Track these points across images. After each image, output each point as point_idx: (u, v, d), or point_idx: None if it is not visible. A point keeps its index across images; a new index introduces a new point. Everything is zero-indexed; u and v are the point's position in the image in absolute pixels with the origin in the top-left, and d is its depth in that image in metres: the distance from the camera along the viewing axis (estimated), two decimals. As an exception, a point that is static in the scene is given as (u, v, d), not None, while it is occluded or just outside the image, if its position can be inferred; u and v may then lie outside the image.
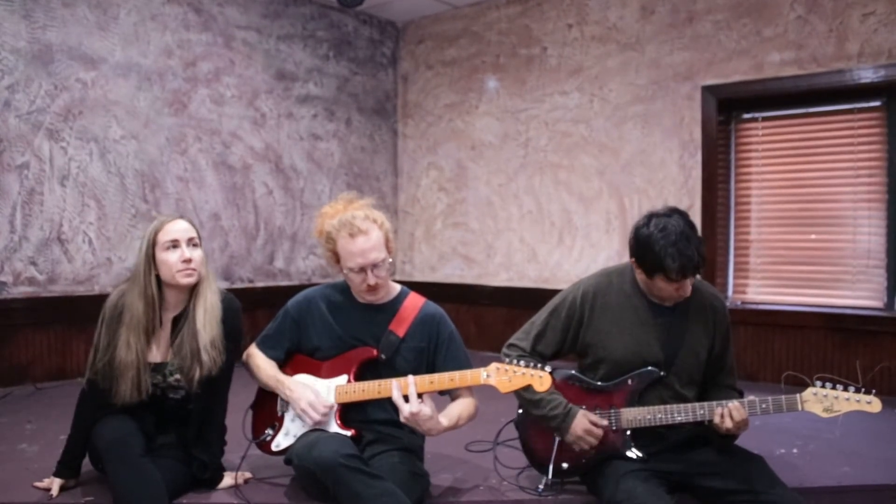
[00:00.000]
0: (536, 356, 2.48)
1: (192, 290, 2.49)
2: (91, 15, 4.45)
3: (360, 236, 2.41)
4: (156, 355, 2.47)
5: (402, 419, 2.30)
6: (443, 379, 2.34)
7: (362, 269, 2.42)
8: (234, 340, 2.54)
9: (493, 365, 2.28)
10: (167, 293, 2.48)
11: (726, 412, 2.25)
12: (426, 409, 2.29)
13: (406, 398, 2.28)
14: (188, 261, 2.42)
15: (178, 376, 2.45)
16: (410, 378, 2.32)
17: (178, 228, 2.46)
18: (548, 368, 2.23)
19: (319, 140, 5.76)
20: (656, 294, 2.40)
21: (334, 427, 2.44)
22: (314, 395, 2.43)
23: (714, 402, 2.31)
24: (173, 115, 4.86)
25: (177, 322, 2.49)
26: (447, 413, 2.41)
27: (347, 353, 2.50)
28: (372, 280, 2.42)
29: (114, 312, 2.44)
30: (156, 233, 2.44)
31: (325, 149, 5.80)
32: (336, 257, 2.48)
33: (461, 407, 2.46)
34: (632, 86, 5.03)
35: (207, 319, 2.44)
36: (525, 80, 5.55)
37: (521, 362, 2.26)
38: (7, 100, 4.13)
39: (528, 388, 2.28)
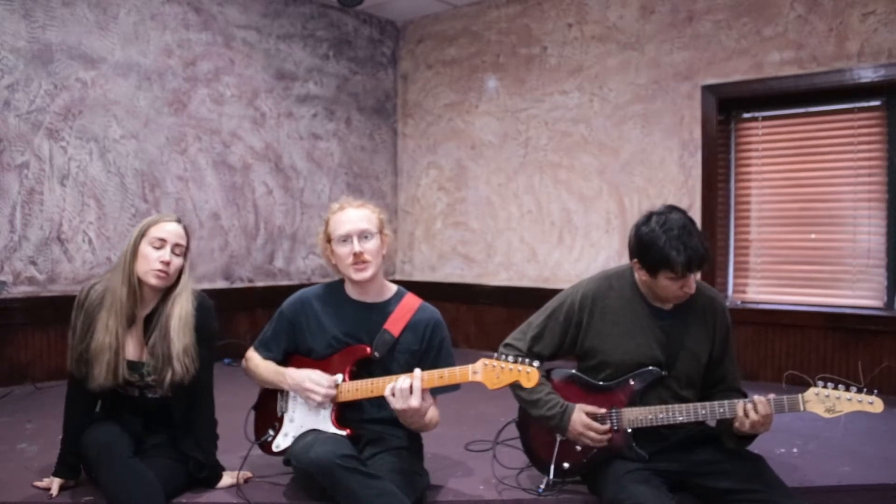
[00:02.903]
0: (533, 357, 2.47)
1: (167, 293, 2.49)
2: (91, 14, 4.44)
3: (350, 208, 2.48)
4: (130, 352, 2.46)
5: (398, 407, 2.30)
6: (432, 376, 2.33)
7: (348, 237, 2.43)
8: (208, 339, 2.54)
9: (481, 361, 2.26)
10: (143, 287, 2.47)
11: (750, 407, 2.20)
12: (424, 405, 2.32)
13: (411, 392, 2.29)
14: (166, 263, 2.41)
15: (154, 376, 2.45)
16: (418, 372, 2.32)
17: (170, 230, 2.46)
18: (535, 363, 2.21)
19: (319, 139, 5.75)
20: (659, 294, 2.39)
21: (331, 427, 2.44)
22: (317, 374, 2.43)
23: (717, 403, 2.30)
24: (173, 114, 4.86)
25: (148, 321, 2.48)
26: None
27: (341, 353, 2.50)
28: (357, 247, 2.42)
29: (94, 301, 2.44)
30: (148, 226, 2.46)
31: (325, 148, 5.80)
32: (328, 239, 2.50)
33: (432, 413, 2.47)
34: (632, 85, 5.03)
35: (181, 326, 2.43)
36: (525, 79, 5.55)
37: (510, 358, 2.24)
38: (7, 99, 4.12)
39: (517, 384, 2.25)
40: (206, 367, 2.54)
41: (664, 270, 2.27)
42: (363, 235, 2.44)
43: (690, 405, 2.33)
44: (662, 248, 2.23)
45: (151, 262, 2.41)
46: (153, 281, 2.42)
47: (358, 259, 2.43)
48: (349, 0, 5.45)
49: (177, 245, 2.46)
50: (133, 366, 2.45)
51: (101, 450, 2.32)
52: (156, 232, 2.44)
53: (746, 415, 2.21)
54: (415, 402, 2.28)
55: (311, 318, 2.56)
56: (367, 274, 2.46)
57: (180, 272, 2.48)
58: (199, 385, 2.50)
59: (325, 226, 2.52)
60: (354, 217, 2.46)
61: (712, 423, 2.48)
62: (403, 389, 2.28)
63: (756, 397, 2.23)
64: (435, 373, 2.34)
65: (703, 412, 2.31)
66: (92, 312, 2.43)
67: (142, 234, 2.44)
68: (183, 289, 2.48)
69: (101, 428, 2.40)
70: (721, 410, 2.28)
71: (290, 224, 5.59)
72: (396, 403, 2.30)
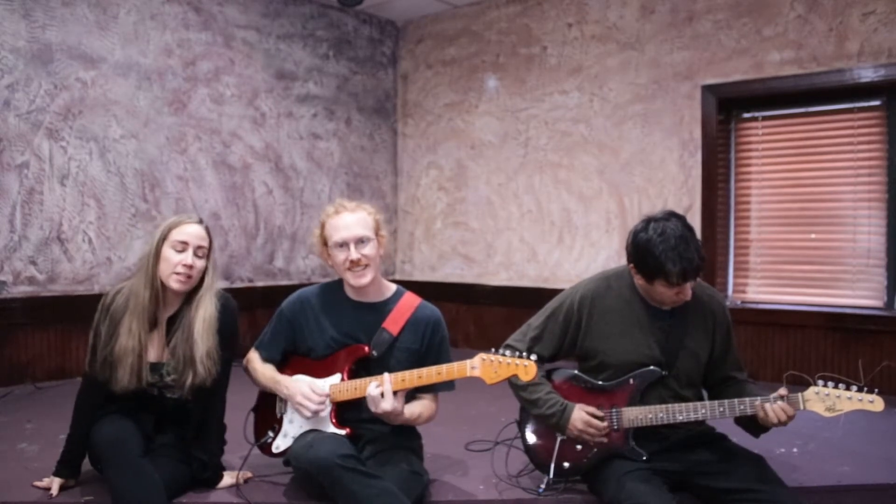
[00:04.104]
0: None
1: (191, 294, 2.48)
2: (91, 14, 4.44)
3: (346, 212, 2.47)
4: (152, 354, 2.46)
5: (373, 410, 2.34)
6: (430, 373, 2.35)
7: (345, 244, 2.43)
8: (230, 339, 2.53)
9: (479, 356, 2.28)
10: (165, 290, 2.47)
11: (772, 414, 2.20)
12: (399, 406, 2.34)
13: (383, 395, 2.32)
14: (189, 267, 2.41)
15: (174, 376, 2.45)
16: (386, 376, 2.34)
17: (192, 232, 2.45)
18: (533, 357, 2.23)
19: (319, 139, 5.75)
20: (656, 299, 2.40)
21: (330, 427, 2.45)
22: (308, 388, 2.43)
23: (717, 402, 2.31)
24: (173, 114, 4.86)
25: (171, 322, 2.48)
26: (409, 408, 2.45)
27: (340, 352, 2.51)
28: (354, 255, 2.43)
29: (119, 305, 2.43)
30: (170, 229, 2.45)
31: (325, 148, 5.80)
32: (325, 242, 2.50)
33: (423, 407, 2.50)
34: (632, 85, 5.03)
35: (205, 329, 2.42)
36: (525, 79, 5.55)
37: (507, 352, 2.26)
38: (7, 99, 4.12)
39: (516, 379, 2.28)
40: (225, 369, 2.54)
41: (659, 279, 2.28)
42: (360, 241, 2.44)
43: (690, 404, 2.33)
44: (658, 258, 2.24)
45: (173, 266, 2.40)
46: (175, 285, 2.41)
47: (356, 265, 2.44)
48: (349, 0, 5.45)
49: (199, 247, 2.45)
50: (154, 367, 2.46)
51: (112, 447, 2.32)
52: (178, 235, 2.43)
53: (767, 417, 2.21)
54: (387, 405, 2.31)
55: (310, 318, 2.57)
56: (366, 280, 2.48)
57: (203, 273, 2.48)
58: (215, 388, 2.50)
59: (321, 228, 2.52)
60: (351, 222, 2.45)
61: (712, 423, 2.49)
62: (374, 397, 2.32)
63: (780, 403, 2.21)
64: (433, 369, 2.35)
65: (703, 411, 2.31)
66: (116, 317, 2.42)
67: (163, 237, 2.43)
68: (207, 290, 2.47)
69: (113, 424, 2.39)
70: (720, 410, 2.28)
71: (290, 224, 5.59)
72: (371, 408, 2.34)
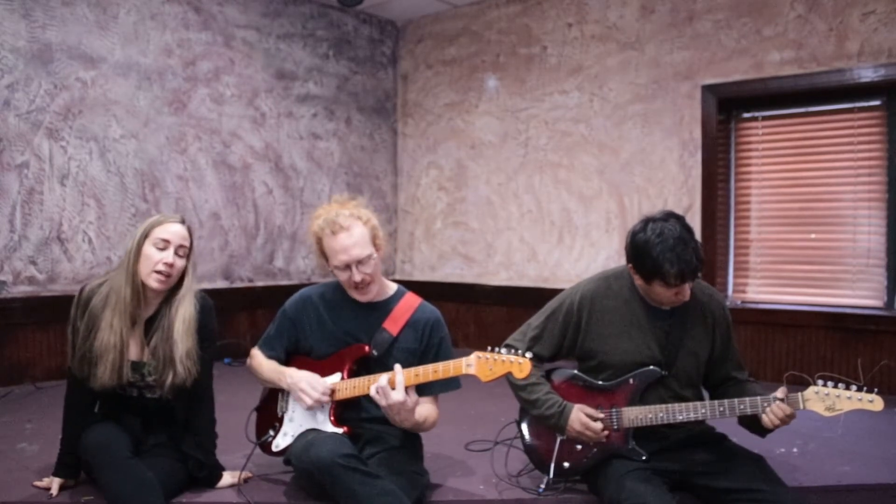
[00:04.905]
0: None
1: (170, 295, 2.48)
2: (91, 14, 4.45)
3: (342, 233, 2.41)
4: (132, 353, 2.45)
5: (383, 404, 2.31)
6: (427, 371, 2.35)
7: (347, 266, 2.43)
8: (208, 339, 2.53)
9: (474, 354, 2.28)
10: (146, 288, 2.46)
11: (771, 414, 2.20)
12: (410, 400, 2.32)
13: (393, 387, 2.30)
14: (169, 265, 2.40)
15: (155, 376, 2.44)
16: (398, 367, 2.34)
17: (174, 231, 2.44)
18: (528, 355, 2.23)
19: (319, 139, 5.75)
20: (655, 299, 2.40)
21: (329, 426, 2.45)
22: (315, 379, 2.44)
23: (717, 402, 2.31)
24: (173, 114, 4.86)
25: (150, 323, 2.47)
26: (417, 412, 2.43)
27: (341, 352, 2.51)
28: (357, 276, 2.43)
29: (98, 301, 2.43)
30: (152, 227, 2.44)
31: (325, 148, 5.80)
32: (325, 256, 2.49)
33: (427, 411, 2.49)
34: (632, 85, 5.03)
35: (184, 330, 2.42)
36: (525, 79, 5.55)
37: (502, 350, 2.27)
38: (7, 99, 4.12)
39: (513, 378, 2.28)
40: (206, 367, 2.54)
41: (657, 280, 2.28)
42: (361, 262, 2.43)
43: (690, 404, 2.33)
44: (656, 259, 2.24)
45: (154, 264, 2.39)
46: (154, 284, 2.40)
47: (358, 285, 2.45)
48: (349, 0, 5.45)
49: (180, 246, 2.45)
50: (135, 366, 2.45)
51: (100, 451, 2.32)
52: (160, 233, 2.42)
53: (770, 419, 2.21)
54: (398, 396, 2.28)
55: (312, 317, 2.57)
56: (370, 295, 2.50)
57: (183, 274, 2.47)
58: (199, 385, 2.50)
59: (318, 243, 2.49)
60: (349, 245, 2.41)
61: (712, 423, 2.49)
62: (383, 387, 2.30)
63: (777, 404, 2.21)
64: (430, 367, 2.35)
65: (703, 411, 2.31)
66: (95, 312, 2.42)
67: (145, 235, 2.42)
68: (187, 291, 2.47)
69: (99, 429, 2.39)
70: (721, 410, 2.28)
71: (290, 224, 5.59)
72: (381, 401, 2.31)
